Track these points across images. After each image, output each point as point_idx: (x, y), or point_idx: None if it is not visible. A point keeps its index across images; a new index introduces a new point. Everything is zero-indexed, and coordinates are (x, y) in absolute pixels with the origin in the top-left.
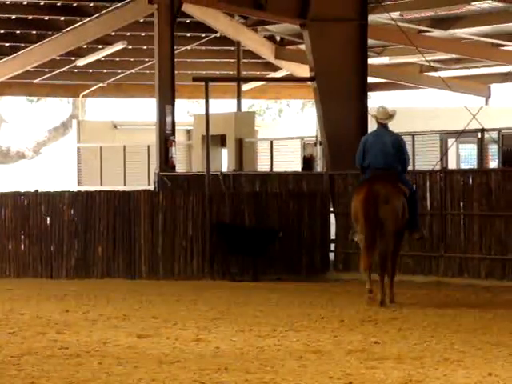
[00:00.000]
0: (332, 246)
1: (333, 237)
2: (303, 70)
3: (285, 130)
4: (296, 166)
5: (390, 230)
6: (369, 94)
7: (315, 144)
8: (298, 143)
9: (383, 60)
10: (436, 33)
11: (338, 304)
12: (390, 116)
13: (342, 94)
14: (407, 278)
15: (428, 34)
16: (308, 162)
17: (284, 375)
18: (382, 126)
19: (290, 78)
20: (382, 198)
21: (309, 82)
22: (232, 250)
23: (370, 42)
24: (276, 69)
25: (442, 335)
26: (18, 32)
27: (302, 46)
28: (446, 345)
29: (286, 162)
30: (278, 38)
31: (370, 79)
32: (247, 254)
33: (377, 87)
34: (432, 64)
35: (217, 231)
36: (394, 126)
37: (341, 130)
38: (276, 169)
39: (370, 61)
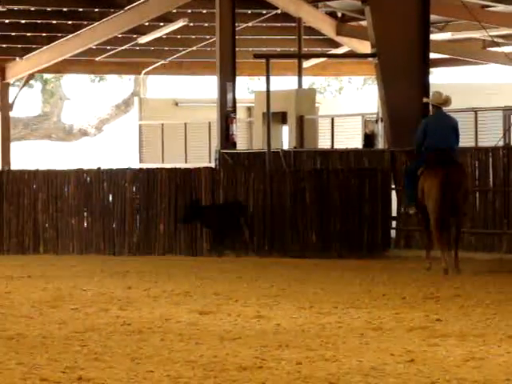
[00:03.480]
0: (393, 223)
1: (394, 214)
2: (364, 47)
3: (346, 106)
4: (357, 142)
5: (462, 210)
6: (431, 69)
7: (376, 121)
8: (359, 120)
9: (445, 36)
10: (500, 7)
11: (400, 281)
12: (446, 101)
13: (403, 70)
14: (470, 256)
15: (492, 8)
16: (369, 138)
17: (345, 352)
18: (439, 109)
19: (351, 55)
20: (458, 181)
21: (370, 59)
22: (207, 226)
23: (433, 17)
24: (337, 45)
25: (504, 312)
26: (80, 10)
27: (364, 23)
28: (509, 322)
29: (347, 139)
30: (339, 14)
31: (432, 55)
32: (219, 228)
33: (439, 63)
34: (495, 39)
35: (190, 213)
36: (457, 102)
37: (402, 106)
38: (337, 146)
39: (432, 36)
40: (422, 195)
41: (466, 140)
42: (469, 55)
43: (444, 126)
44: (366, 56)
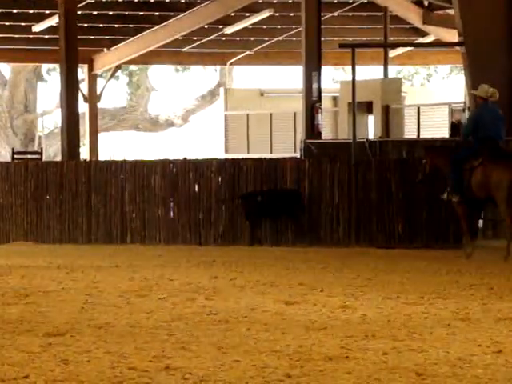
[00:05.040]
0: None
1: None
2: (451, 36)
3: (432, 95)
4: (444, 132)
5: None
6: None
7: (463, 110)
8: (446, 109)
9: None
10: None
11: (487, 272)
12: (493, 94)
13: (491, 59)
14: None
15: None
16: (456, 127)
17: (432, 343)
18: (486, 102)
19: (437, 44)
20: None
21: (457, 48)
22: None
23: None
24: (423, 34)
25: None
26: (167, 1)
27: (451, 11)
28: None
29: (434, 128)
30: (425, 3)
31: None
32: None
33: None
34: None
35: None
36: None
37: None
38: (423, 135)
39: None
40: (479, 186)
41: None
42: None
43: (496, 118)
44: (452, 45)
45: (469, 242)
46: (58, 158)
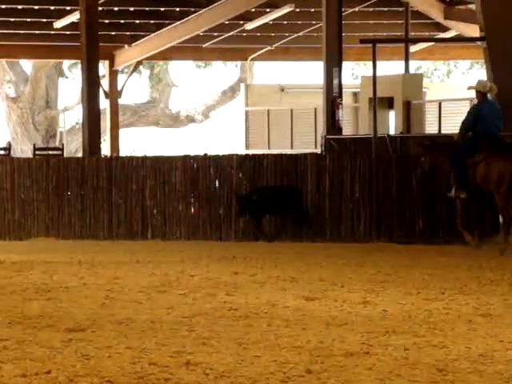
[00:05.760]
0: None
1: None
2: (472, 30)
3: (453, 91)
4: None
5: None
6: None
7: None
8: (467, 104)
9: None
10: None
11: (509, 267)
12: (491, 88)
13: None
14: None
15: None
16: None
17: (453, 338)
18: (485, 96)
19: (458, 39)
20: None
21: (478, 42)
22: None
23: None
24: (445, 29)
25: None
26: None
27: (472, 6)
28: None
29: (455, 124)
30: None
31: None
32: (274, 212)
33: None
34: None
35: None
36: None
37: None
38: (444, 131)
39: None
40: (483, 180)
41: None
42: None
43: (495, 111)
44: (474, 40)
45: (468, 236)
46: (79, 154)
